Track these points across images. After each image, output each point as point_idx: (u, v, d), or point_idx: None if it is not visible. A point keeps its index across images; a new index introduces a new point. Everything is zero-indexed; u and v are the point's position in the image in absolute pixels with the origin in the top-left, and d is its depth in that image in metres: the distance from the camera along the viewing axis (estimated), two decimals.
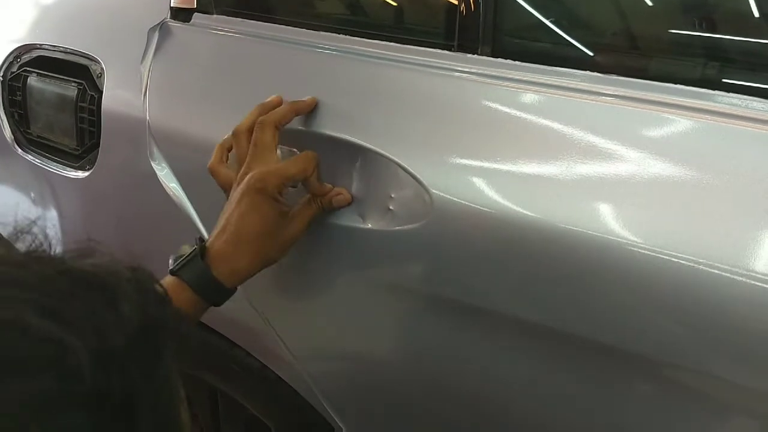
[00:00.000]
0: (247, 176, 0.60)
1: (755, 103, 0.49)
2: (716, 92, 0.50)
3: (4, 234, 0.37)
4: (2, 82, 1.01)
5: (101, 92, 0.87)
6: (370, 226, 0.63)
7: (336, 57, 0.68)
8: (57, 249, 0.35)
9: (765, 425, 0.48)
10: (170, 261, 0.61)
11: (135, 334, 0.31)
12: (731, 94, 0.50)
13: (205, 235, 0.77)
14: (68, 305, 0.30)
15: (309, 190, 0.64)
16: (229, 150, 0.66)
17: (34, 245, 0.35)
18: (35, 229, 0.36)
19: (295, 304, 0.73)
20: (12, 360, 0.27)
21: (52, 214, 1.00)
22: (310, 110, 0.65)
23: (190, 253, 0.60)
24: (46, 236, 0.36)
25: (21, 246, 0.35)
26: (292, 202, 0.64)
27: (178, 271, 0.60)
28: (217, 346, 0.86)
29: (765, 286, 0.45)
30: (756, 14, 0.54)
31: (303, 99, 0.64)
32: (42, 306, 0.29)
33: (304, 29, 0.73)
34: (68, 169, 0.94)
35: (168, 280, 0.60)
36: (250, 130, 0.62)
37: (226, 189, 0.64)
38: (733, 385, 0.48)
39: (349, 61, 0.67)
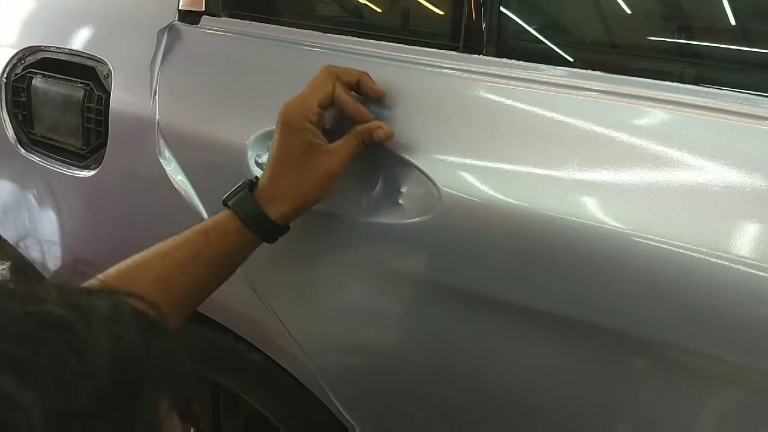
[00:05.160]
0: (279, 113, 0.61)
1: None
2: (702, 88, 0.54)
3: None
4: (6, 83, 1.01)
5: (108, 93, 0.89)
6: (380, 219, 0.65)
7: (344, 58, 0.71)
8: (39, 273, 0.32)
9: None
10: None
11: (104, 389, 0.27)
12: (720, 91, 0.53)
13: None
14: (31, 355, 0.26)
15: (345, 111, 0.62)
16: None
17: (14, 271, 0.32)
18: (21, 245, 0.33)
19: (304, 296, 0.75)
20: None
21: (56, 214, 1.01)
22: (376, 96, 0.63)
23: (240, 185, 0.62)
24: (27, 258, 0.33)
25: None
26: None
27: (228, 201, 0.62)
28: (219, 341, 0.87)
29: (755, 272, 0.48)
30: None
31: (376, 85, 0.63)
32: (1, 355, 0.26)
33: (312, 31, 0.75)
34: (73, 168, 0.95)
35: (222, 213, 0.62)
36: None
37: None
38: (729, 365, 0.51)
39: (358, 62, 0.70)
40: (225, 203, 0.63)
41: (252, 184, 0.63)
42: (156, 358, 0.30)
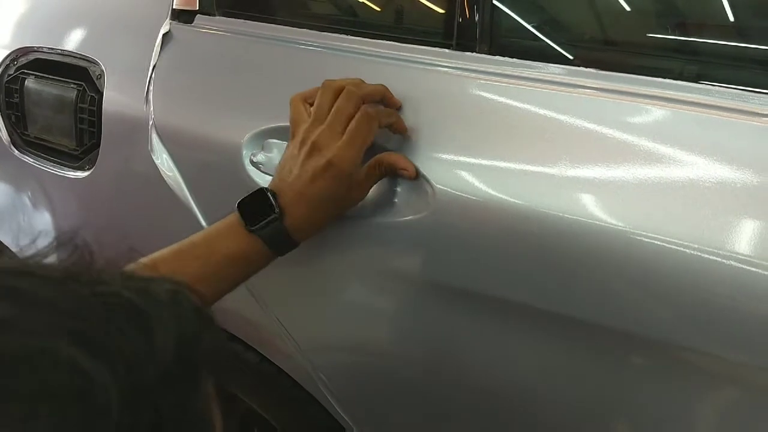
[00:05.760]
0: (325, 159, 0.60)
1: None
2: (699, 85, 0.54)
3: (45, 242, 0.34)
4: None
5: (101, 93, 0.88)
6: (374, 217, 0.65)
7: (338, 57, 0.71)
8: (98, 260, 0.33)
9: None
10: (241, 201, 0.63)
11: (168, 366, 0.30)
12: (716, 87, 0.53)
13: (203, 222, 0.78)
14: (102, 334, 0.29)
15: (394, 131, 0.64)
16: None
17: (73, 258, 0.33)
18: (78, 240, 0.34)
19: (300, 296, 0.75)
20: (41, 390, 0.26)
21: (50, 215, 1.00)
22: (395, 107, 0.64)
23: (272, 217, 0.62)
24: (87, 246, 0.34)
25: (61, 256, 0.33)
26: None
27: (257, 230, 0.62)
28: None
29: (749, 268, 0.48)
30: None
31: (394, 97, 0.64)
32: (76, 333, 0.28)
33: (306, 30, 0.75)
34: (67, 169, 0.95)
35: (247, 238, 0.62)
36: (339, 92, 0.62)
37: (291, 124, 0.65)
38: (727, 362, 0.51)
39: (352, 60, 0.70)
40: (251, 231, 0.62)
41: (281, 213, 0.62)
42: (209, 343, 0.33)
